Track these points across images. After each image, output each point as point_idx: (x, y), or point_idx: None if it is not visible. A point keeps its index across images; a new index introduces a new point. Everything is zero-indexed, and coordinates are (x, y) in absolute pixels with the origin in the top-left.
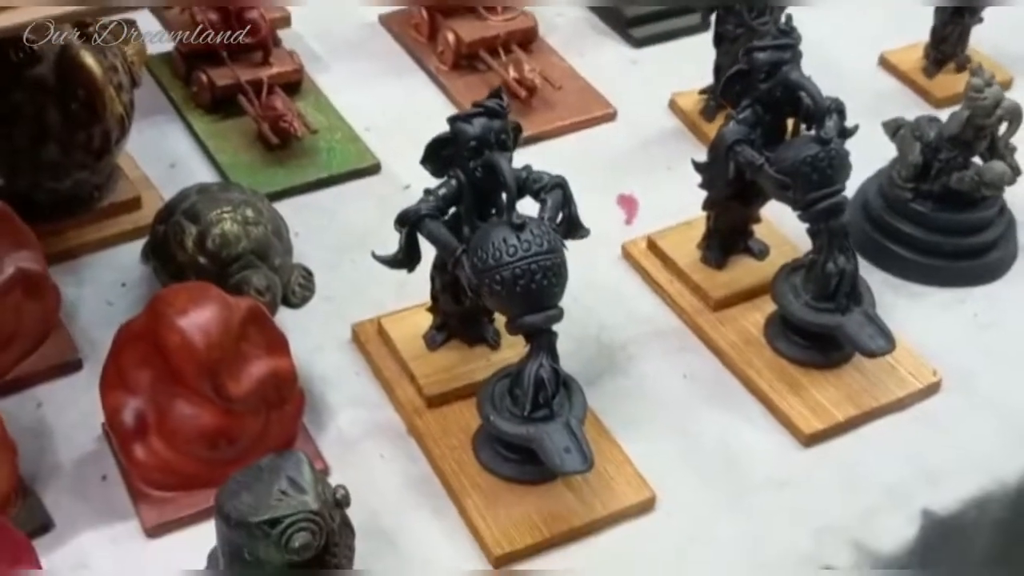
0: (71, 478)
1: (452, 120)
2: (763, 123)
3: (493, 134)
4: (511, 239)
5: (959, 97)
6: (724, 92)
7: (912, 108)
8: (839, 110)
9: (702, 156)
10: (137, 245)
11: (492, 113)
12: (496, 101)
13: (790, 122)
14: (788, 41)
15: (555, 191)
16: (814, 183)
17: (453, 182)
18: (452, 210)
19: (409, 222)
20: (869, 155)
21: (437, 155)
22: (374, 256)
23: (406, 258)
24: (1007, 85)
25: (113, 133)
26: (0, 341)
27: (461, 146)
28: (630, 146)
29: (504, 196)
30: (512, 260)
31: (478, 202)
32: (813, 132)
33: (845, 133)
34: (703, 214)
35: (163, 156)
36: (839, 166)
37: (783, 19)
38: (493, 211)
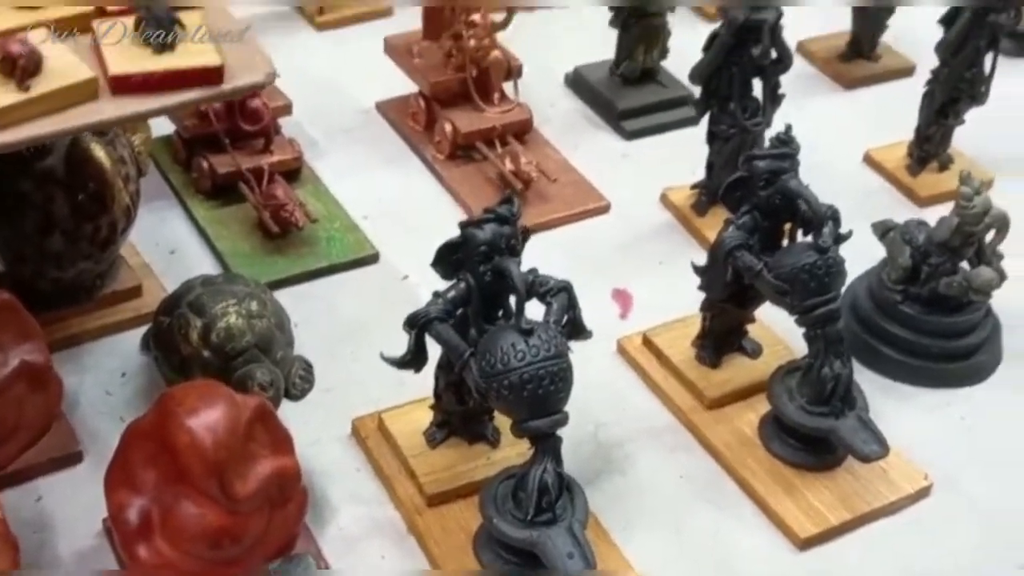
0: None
1: (463, 225)
2: (761, 228)
3: (503, 239)
4: (520, 344)
5: (943, 196)
6: (724, 198)
7: (897, 206)
8: (834, 217)
9: (694, 251)
10: (137, 333)
11: (502, 219)
12: (507, 207)
13: (787, 225)
14: (787, 151)
15: (561, 295)
16: (811, 290)
17: (462, 285)
18: (459, 311)
19: (418, 324)
20: (856, 253)
21: (447, 259)
22: (383, 358)
23: (414, 359)
24: (988, 185)
25: (119, 224)
26: (2, 434)
27: (471, 251)
28: (623, 239)
29: (512, 299)
30: (520, 365)
31: (486, 304)
32: (811, 239)
33: (840, 239)
34: (697, 310)
35: (163, 242)
36: (836, 274)
37: (783, 128)
38: (500, 313)
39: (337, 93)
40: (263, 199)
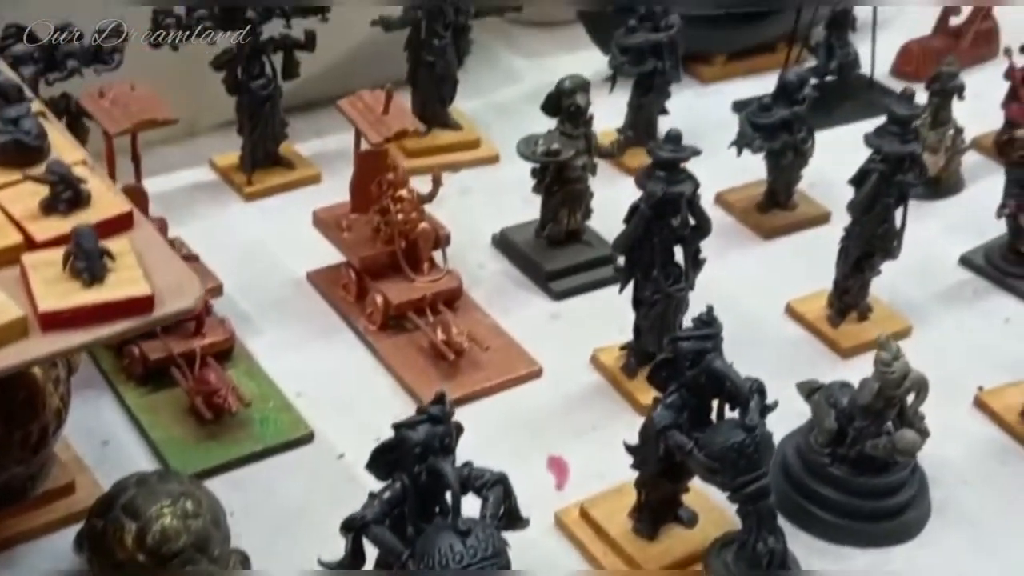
0: None
1: (397, 427)
2: (689, 406)
3: (437, 439)
4: (457, 545)
5: (864, 346)
6: (651, 378)
7: (820, 358)
8: (760, 390)
9: (627, 415)
10: (71, 532)
11: (435, 419)
12: (439, 407)
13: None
14: (710, 331)
15: (496, 487)
16: (741, 468)
17: (397, 485)
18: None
19: (355, 528)
20: (782, 410)
21: (382, 461)
22: (320, 563)
23: (352, 563)
24: (906, 333)
25: (50, 427)
26: None
27: (406, 452)
28: (556, 405)
29: (448, 497)
30: (458, 567)
31: (422, 503)
32: (738, 416)
33: (766, 411)
34: (632, 479)
35: (95, 433)
36: (764, 449)
37: (704, 309)
38: (437, 509)
39: (268, 264)
40: (195, 385)
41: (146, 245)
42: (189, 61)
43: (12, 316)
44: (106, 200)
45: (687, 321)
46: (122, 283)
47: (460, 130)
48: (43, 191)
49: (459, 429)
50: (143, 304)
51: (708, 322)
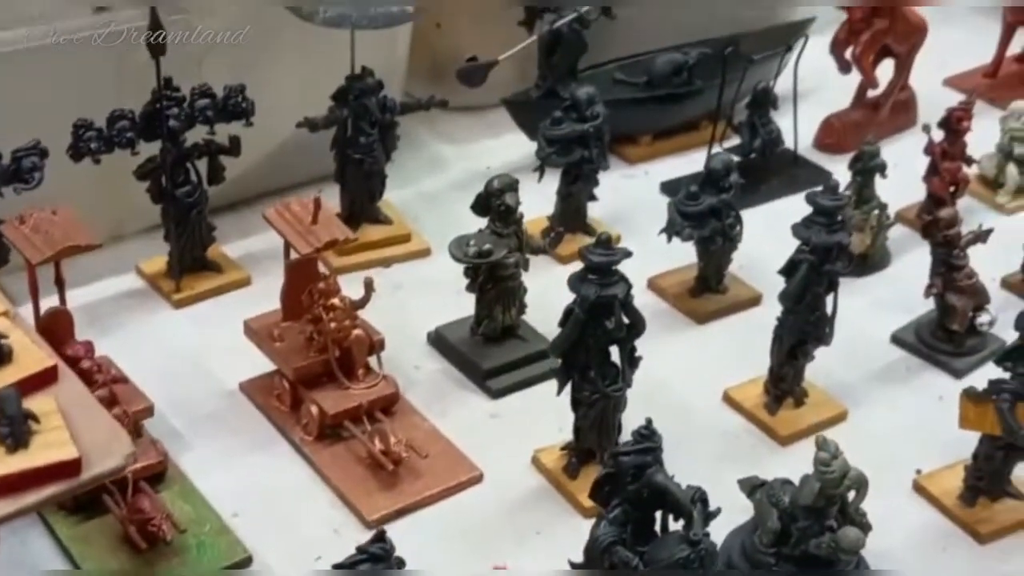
0: None
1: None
2: (633, 519)
3: None
4: None
5: (802, 432)
6: (593, 495)
7: (760, 446)
8: (702, 499)
9: (570, 517)
10: None
11: (377, 558)
12: (379, 545)
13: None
14: (650, 444)
15: None
16: None
17: None
18: None
19: None
20: (726, 507)
21: None
22: None
23: None
24: (842, 417)
25: None
26: None
27: None
28: (498, 510)
29: None
30: None
31: None
32: (682, 529)
33: (709, 519)
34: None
35: (26, 566)
36: (710, 562)
37: (643, 421)
38: None
39: (199, 375)
40: (128, 513)
41: (72, 400)
42: (111, 167)
43: None
44: (29, 355)
45: (626, 423)
46: (48, 446)
47: (390, 224)
48: None
49: (400, 563)
50: (71, 467)
51: (647, 435)
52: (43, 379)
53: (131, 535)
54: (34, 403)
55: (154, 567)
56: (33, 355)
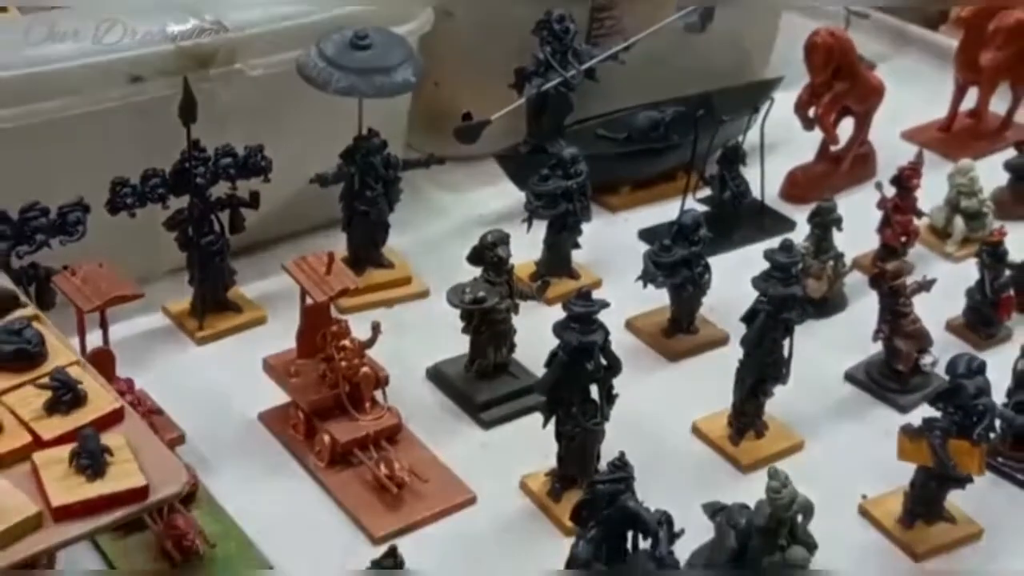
0: None
1: None
2: (607, 539)
3: None
4: None
5: (762, 461)
6: (573, 517)
7: (723, 475)
8: (668, 521)
9: (553, 537)
10: None
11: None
12: (391, 560)
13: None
14: (623, 475)
15: None
16: None
17: None
18: None
19: None
20: (689, 523)
21: None
22: None
23: None
24: (799, 447)
25: None
26: None
27: None
28: (490, 530)
29: None
30: None
31: None
32: (649, 548)
33: (673, 539)
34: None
35: None
36: None
37: (618, 453)
38: None
39: (222, 407)
40: (164, 529)
41: (135, 436)
42: (142, 218)
43: (30, 512)
44: (100, 398)
45: (604, 451)
46: (121, 476)
47: (392, 268)
48: (46, 393)
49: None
50: (139, 493)
51: (620, 466)
52: (112, 418)
53: (167, 549)
54: (107, 439)
55: None
56: (103, 398)
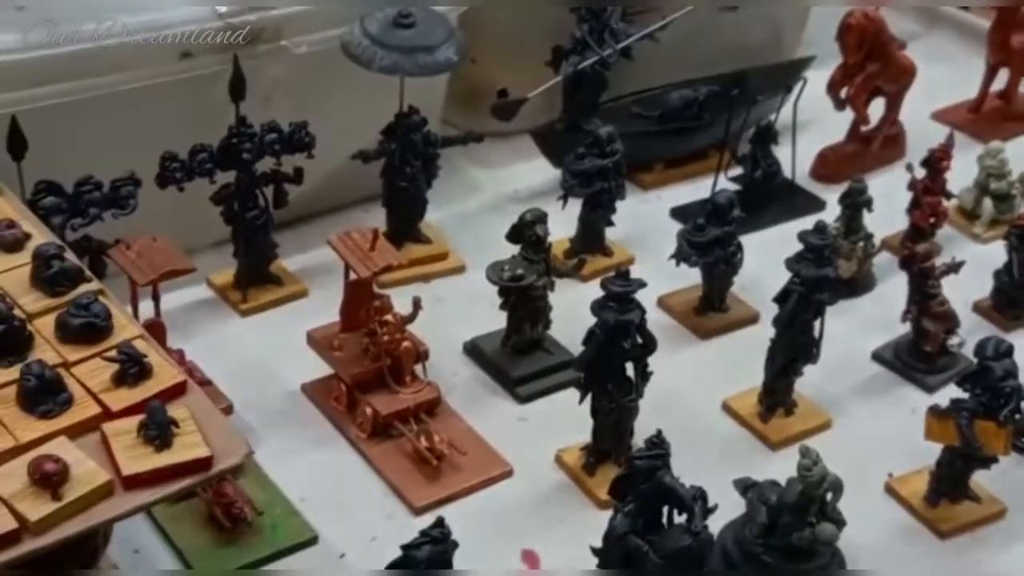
0: None
1: (405, 548)
2: (644, 513)
3: (438, 558)
4: None
5: (792, 439)
6: (611, 492)
7: (754, 451)
8: (702, 497)
9: (588, 510)
10: None
11: (437, 541)
12: (439, 530)
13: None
14: (660, 451)
15: None
16: (688, 567)
17: None
18: None
19: None
20: (721, 499)
21: None
22: None
23: None
24: (827, 425)
25: (100, 548)
26: None
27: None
28: (526, 502)
29: None
30: None
31: None
32: (685, 522)
33: (707, 515)
34: (593, 569)
35: (128, 542)
36: (708, 552)
37: (655, 431)
38: None
39: (266, 378)
40: (214, 497)
41: (198, 408)
42: (187, 191)
43: (102, 480)
44: (164, 371)
45: (638, 428)
46: (186, 447)
47: (430, 243)
48: (113, 366)
49: (455, 545)
50: (204, 463)
51: (658, 443)
52: (176, 391)
53: (217, 516)
54: (172, 411)
55: (236, 544)
56: (167, 371)
